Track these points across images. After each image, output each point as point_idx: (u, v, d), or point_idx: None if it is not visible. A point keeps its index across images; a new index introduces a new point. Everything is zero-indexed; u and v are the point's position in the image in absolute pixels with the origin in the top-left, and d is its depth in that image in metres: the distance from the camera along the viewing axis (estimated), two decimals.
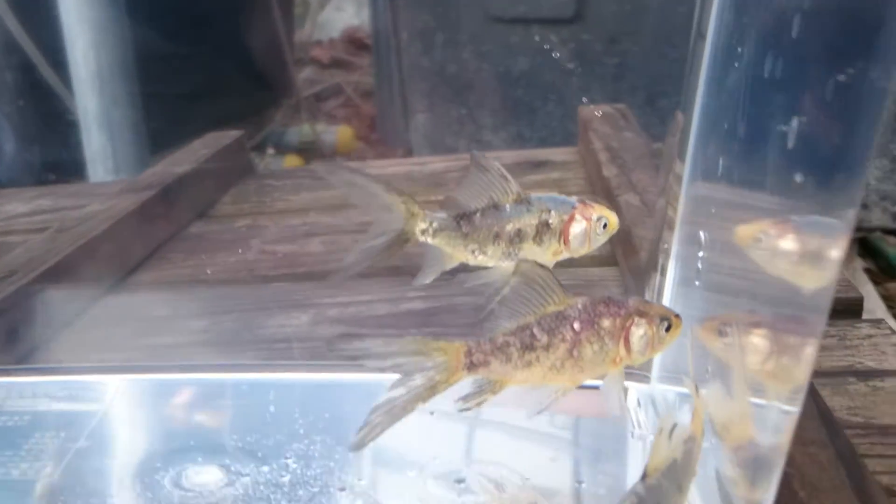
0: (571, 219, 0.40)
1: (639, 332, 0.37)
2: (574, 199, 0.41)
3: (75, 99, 1.16)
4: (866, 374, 0.52)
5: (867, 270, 1.62)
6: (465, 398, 0.36)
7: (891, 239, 1.77)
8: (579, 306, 0.36)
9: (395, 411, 0.35)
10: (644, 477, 0.33)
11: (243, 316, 0.68)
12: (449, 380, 0.35)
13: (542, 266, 0.36)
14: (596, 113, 1.01)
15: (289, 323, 0.66)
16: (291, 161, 1.45)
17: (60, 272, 0.70)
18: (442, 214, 0.39)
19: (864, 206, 1.41)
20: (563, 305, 0.36)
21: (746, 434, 0.34)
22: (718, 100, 0.38)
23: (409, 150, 1.34)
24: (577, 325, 0.36)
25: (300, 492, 0.40)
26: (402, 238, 0.39)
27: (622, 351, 0.37)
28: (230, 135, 1.09)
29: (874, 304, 1.52)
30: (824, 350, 0.56)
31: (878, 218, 1.42)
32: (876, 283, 1.59)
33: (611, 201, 0.76)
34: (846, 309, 0.62)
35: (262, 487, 0.40)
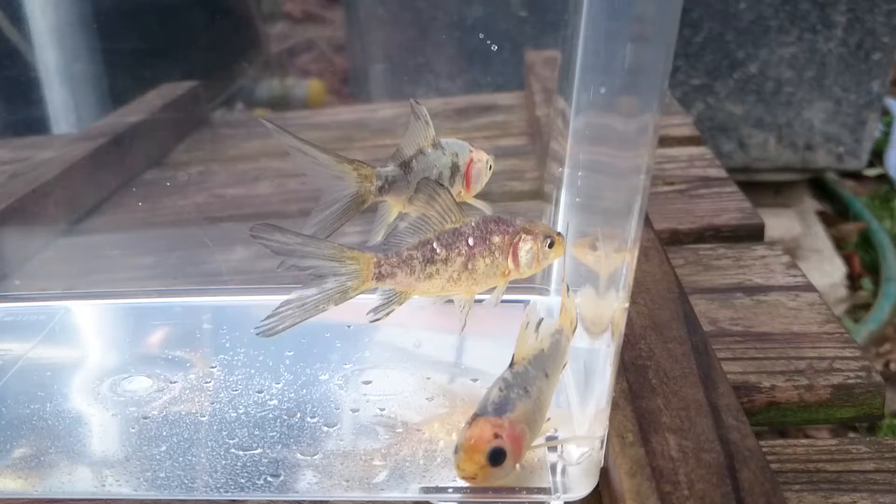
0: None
1: (525, 247, 0.42)
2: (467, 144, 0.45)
3: (35, 53, 1.18)
4: (752, 290, 0.57)
5: (821, 213, 1.68)
6: (375, 310, 0.40)
7: (847, 182, 1.83)
8: (473, 224, 0.41)
9: (307, 307, 0.38)
10: (511, 365, 0.38)
11: (188, 253, 0.72)
12: (359, 287, 0.38)
13: (440, 185, 0.40)
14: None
15: (231, 258, 0.69)
16: (260, 115, 1.48)
17: (14, 215, 0.73)
18: (390, 167, 0.43)
19: (809, 148, 1.46)
20: (459, 223, 0.40)
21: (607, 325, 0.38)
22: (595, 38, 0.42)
23: (370, 100, 1.36)
24: (471, 241, 0.41)
25: (222, 394, 0.44)
26: (359, 201, 0.42)
27: (511, 265, 0.42)
28: (184, 86, 1.11)
29: (822, 244, 1.58)
30: (718, 270, 0.61)
31: (822, 159, 1.47)
32: (829, 224, 1.65)
33: (539, 142, 0.80)
34: (748, 235, 0.66)
35: (187, 392, 0.45)
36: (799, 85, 1.41)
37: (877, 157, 1.83)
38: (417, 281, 0.40)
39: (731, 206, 0.70)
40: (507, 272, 0.41)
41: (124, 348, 0.49)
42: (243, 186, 0.94)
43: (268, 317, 0.37)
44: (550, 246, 0.42)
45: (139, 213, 0.89)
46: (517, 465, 0.36)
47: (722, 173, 0.77)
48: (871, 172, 1.86)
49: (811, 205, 1.68)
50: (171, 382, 0.45)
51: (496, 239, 0.41)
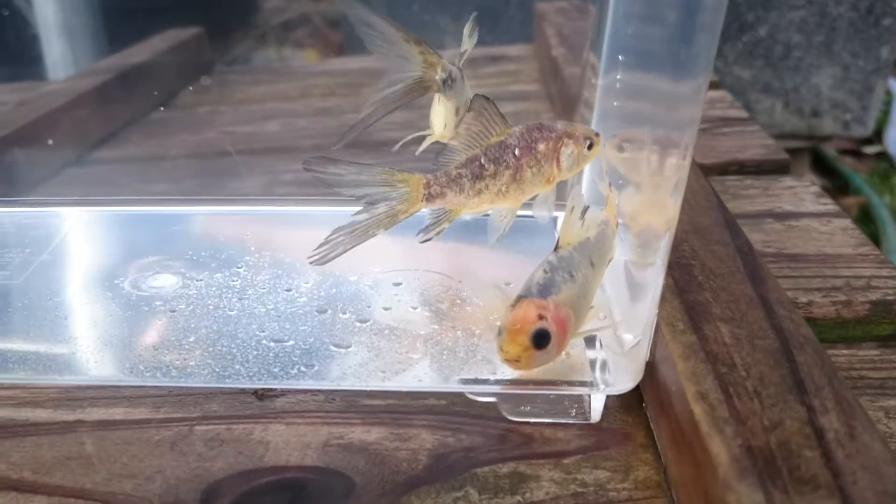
0: None
1: (567, 151, 0.40)
2: None
3: (34, 6, 1.16)
4: (783, 216, 0.56)
5: (822, 188, 1.67)
6: (425, 230, 0.39)
7: (846, 159, 1.83)
8: (517, 135, 0.39)
9: (357, 234, 0.37)
10: (556, 248, 0.37)
11: (202, 181, 0.71)
12: (409, 210, 0.37)
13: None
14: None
15: (245, 185, 0.68)
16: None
17: (21, 141, 0.72)
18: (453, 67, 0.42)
19: (816, 115, 1.45)
20: (504, 135, 0.39)
21: (648, 220, 0.37)
22: None
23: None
24: (517, 152, 0.39)
25: (249, 291, 0.43)
26: (422, 86, 0.40)
27: (555, 170, 0.40)
28: (189, 31, 1.09)
29: None
30: (747, 198, 0.60)
31: (829, 126, 1.46)
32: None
33: (557, 76, 0.79)
34: (774, 169, 0.66)
35: (214, 289, 0.43)
36: (808, 49, 1.40)
37: (876, 134, 1.83)
38: (467, 198, 0.39)
39: (754, 143, 0.69)
40: (551, 178, 0.40)
41: (147, 250, 0.47)
42: (252, 125, 0.92)
43: (319, 245, 0.36)
44: (590, 147, 0.41)
45: (148, 147, 0.87)
46: (562, 353, 0.35)
47: (743, 114, 0.76)
48: (871, 150, 1.86)
49: (811, 180, 1.68)
50: (196, 280, 0.44)
51: (541, 147, 0.39)
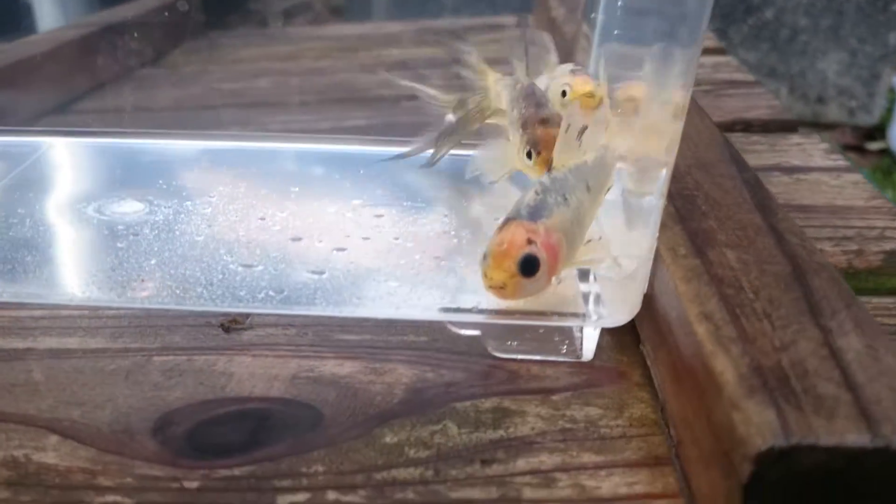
0: None
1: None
2: None
3: None
4: (791, 170, 0.54)
5: None
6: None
7: (850, 154, 1.80)
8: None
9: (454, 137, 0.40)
10: (549, 169, 0.33)
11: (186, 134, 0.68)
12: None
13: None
14: None
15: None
16: None
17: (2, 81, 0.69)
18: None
19: (821, 101, 1.43)
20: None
21: (648, 147, 0.34)
22: None
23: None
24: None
25: (220, 219, 0.40)
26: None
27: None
28: None
29: None
30: (753, 153, 0.57)
31: (834, 113, 1.44)
32: None
33: (557, 33, 0.76)
34: (781, 128, 0.63)
35: (182, 216, 0.40)
36: (814, 34, 1.37)
37: (878, 131, 1.81)
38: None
39: (760, 104, 0.66)
40: None
41: (115, 179, 0.44)
42: (242, 82, 0.89)
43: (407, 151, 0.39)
44: None
45: (131, 100, 0.84)
46: (553, 281, 0.32)
47: (749, 77, 0.73)
48: (874, 146, 1.83)
49: (820, 137, 1.65)
50: (164, 207, 0.41)
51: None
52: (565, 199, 0.32)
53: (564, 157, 0.33)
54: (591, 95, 0.36)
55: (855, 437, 0.22)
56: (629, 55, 0.39)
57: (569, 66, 0.39)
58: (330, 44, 1.06)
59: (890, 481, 0.22)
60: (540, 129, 0.35)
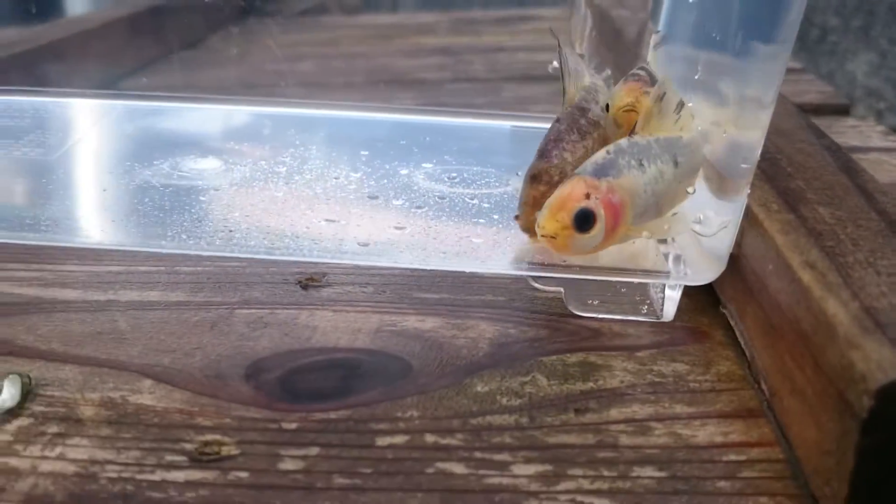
0: None
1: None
2: None
3: None
4: (851, 150, 0.53)
5: None
6: None
7: None
8: None
9: None
10: (631, 133, 0.33)
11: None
12: None
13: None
14: None
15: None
16: None
17: (51, 58, 0.69)
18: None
19: (849, 101, 1.42)
20: None
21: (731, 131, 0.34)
22: None
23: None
24: None
25: (296, 177, 0.40)
26: None
27: None
28: None
29: None
30: None
31: (861, 114, 1.43)
32: None
33: (603, 20, 0.76)
34: (834, 111, 0.63)
35: (259, 173, 0.41)
36: (844, 34, 1.36)
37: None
38: None
39: (811, 89, 0.66)
40: None
41: (188, 139, 0.45)
42: (285, 63, 0.90)
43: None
44: None
45: (176, 79, 0.85)
46: (614, 244, 0.32)
47: (796, 65, 0.73)
48: None
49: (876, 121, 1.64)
50: (240, 165, 0.41)
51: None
52: (641, 164, 0.32)
53: (652, 125, 0.33)
54: (631, 109, 0.34)
55: None
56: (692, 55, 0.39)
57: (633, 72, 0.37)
58: (365, 31, 1.07)
59: None
60: (528, 186, 0.33)
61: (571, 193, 0.30)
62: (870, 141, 0.54)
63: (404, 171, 0.41)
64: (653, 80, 0.34)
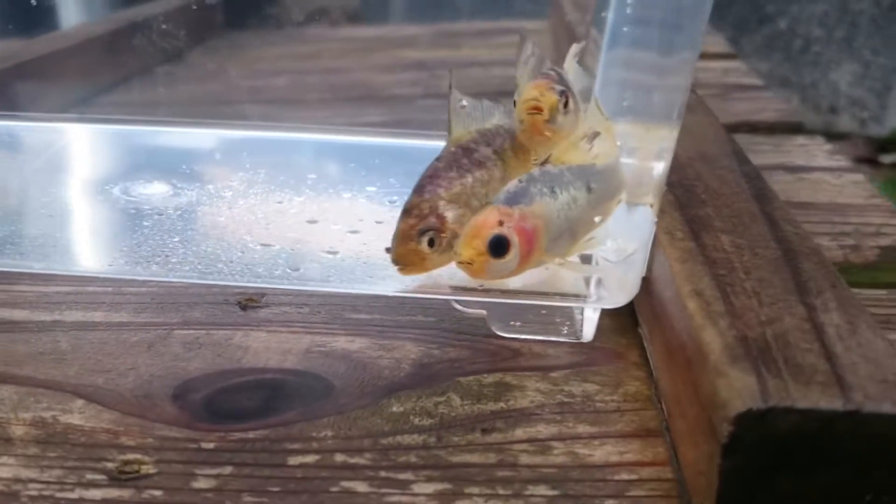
0: None
1: None
2: None
3: None
4: (794, 169, 0.55)
5: None
6: None
7: (863, 167, 1.80)
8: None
9: None
10: (543, 162, 0.34)
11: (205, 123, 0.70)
12: None
13: None
14: None
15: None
16: None
17: (28, 75, 0.71)
18: None
19: (833, 111, 1.44)
20: None
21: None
22: None
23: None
24: None
25: (240, 202, 0.42)
26: None
27: None
28: None
29: None
30: (757, 153, 0.58)
31: (846, 123, 1.44)
32: None
33: (575, 38, 0.77)
34: (788, 131, 0.64)
35: (205, 198, 0.42)
36: (828, 44, 1.38)
37: (892, 143, 1.81)
38: None
39: (768, 107, 0.67)
40: None
41: (141, 164, 0.46)
42: (261, 79, 0.92)
43: None
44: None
45: (151, 95, 0.86)
46: (528, 269, 0.33)
47: (758, 82, 0.74)
48: (888, 159, 1.83)
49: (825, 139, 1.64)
50: (188, 190, 0.43)
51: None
52: (553, 191, 0.33)
53: (565, 155, 0.34)
54: (535, 105, 0.33)
55: (828, 402, 0.23)
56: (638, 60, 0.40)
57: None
58: (348, 45, 1.09)
59: (860, 445, 0.23)
60: (400, 219, 0.33)
61: (485, 221, 0.32)
62: (814, 160, 0.56)
63: (347, 195, 0.43)
64: (562, 81, 0.34)
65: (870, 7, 1.34)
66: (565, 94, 0.32)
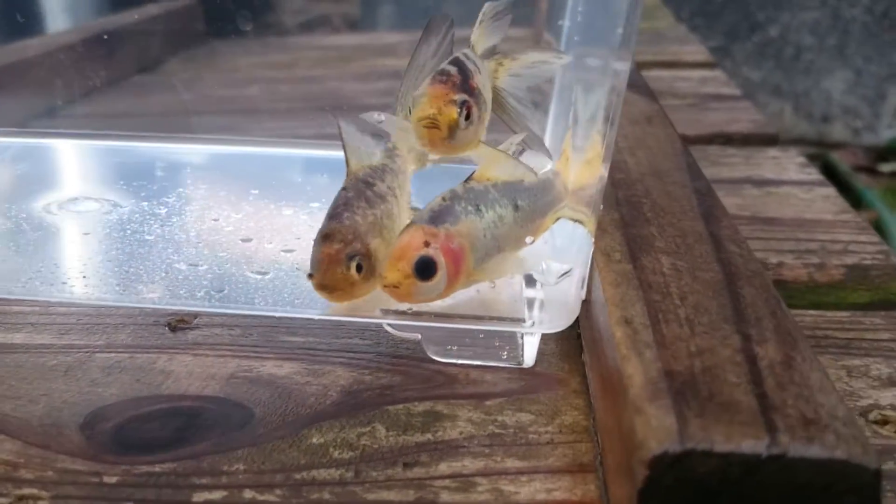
0: None
1: None
2: None
3: None
4: (762, 183, 0.53)
5: None
6: None
7: (860, 176, 1.78)
8: None
9: None
10: (467, 180, 0.33)
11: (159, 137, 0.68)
12: None
13: None
14: None
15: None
16: None
17: None
18: None
19: (826, 120, 1.42)
20: None
21: (590, 175, 0.33)
22: None
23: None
24: None
25: (174, 219, 0.40)
26: None
27: None
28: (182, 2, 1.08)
29: None
30: (727, 165, 0.56)
31: (839, 132, 1.42)
32: None
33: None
34: (762, 142, 0.62)
35: (136, 216, 0.41)
36: (819, 52, 1.36)
37: (892, 153, 1.79)
38: None
39: (743, 118, 0.66)
40: None
41: (77, 179, 0.45)
42: (233, 89, 0.90)
43: None
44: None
45: (120, 105, 0.85)
46: (454, 291, 0.31)
47: (735, 91, 0.73)
48: (886, 168, 1.81)
49: (798, 151, 1.62)
50: (120, 207, 0.41)
51: None
52: (478, 209, 0.31)
53: (490, 171, 0.32)
54: (431, 123, 0.30)
55: (752, 444, 0.21)
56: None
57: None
58: (326, 53, 1.07)
59: (786, 490, 0.21)
60: (320, 245, 0.30)
61: (410, 242, 0.30)
62: (785, 174, 0.54)
63: (288, 212, 0.41)
64: (464, 76, 0.31)
65: (862, 14, 1.33)
66: (466, 103, 0.30)
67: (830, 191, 0.51)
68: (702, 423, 0.22)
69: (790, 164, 0.55)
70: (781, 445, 0.21)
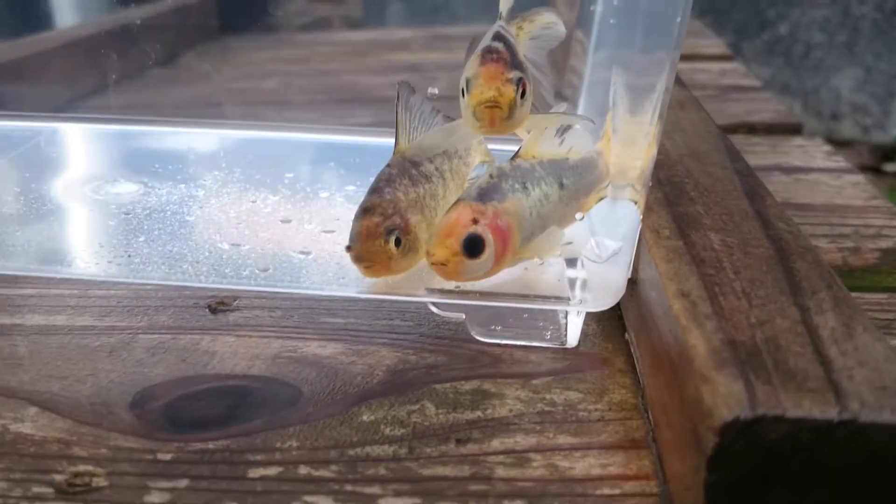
0: None
1: None
2: None
3: None
4: (791, 170, 0.53)
5: None
6: None
7: (868, 175, 1.78)
8: None
9: None
10: (513, 157, 0.33)
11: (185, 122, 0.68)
12: None
13: None
14: None
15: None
16: None
17: (11, 76, 0.70)
18: None
19: (835, 118, 1.42)
20: None
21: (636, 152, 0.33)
22: None
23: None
24: None
25: (212, 201, 0.40)
26: None
27: None
28: None
29: None
30: (753, 154, 0.56)
31: (848, 130, 1.42)
32: None
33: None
34: (785, 131, 0.62)
35: (175, 197, 0.41)
36: (829, 50, 1.36)
37: None
38: None
39: (766, 108, 0.66)
40: None
41: (114, 162, 0.45)
42: (250, 82, 0.90)
43: None
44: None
45: (140, 98, 0.85)
46: (503, 269, 0.31)
47: (756, 83, 0.73)
48: (891, 167, 1.81)
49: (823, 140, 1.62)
50: (158, 189, 0.41)
51: None
52: (525, 187, 0.31)
53: (535, 149, 0.33)
54: (493, 104, 0.29)
55: (822, 411, 0.21)
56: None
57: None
58: (339, 48, 1.07)
59: (856, 456, 0.22)
60: (360, 218, 0.31)
61: (459, 219, 0.30)
62: (812, 161, 0.54)
63: (324, 195, 0.41)
64: (511, 51, 0.30)
65: (871, 12, 1.33)
66: (521, 80, 0.30)
67: (859, 178, 0.51)
68: (771, 390, 0.22)
69: (817, 153, 0.55)
70: (852, 411, 0.21)
